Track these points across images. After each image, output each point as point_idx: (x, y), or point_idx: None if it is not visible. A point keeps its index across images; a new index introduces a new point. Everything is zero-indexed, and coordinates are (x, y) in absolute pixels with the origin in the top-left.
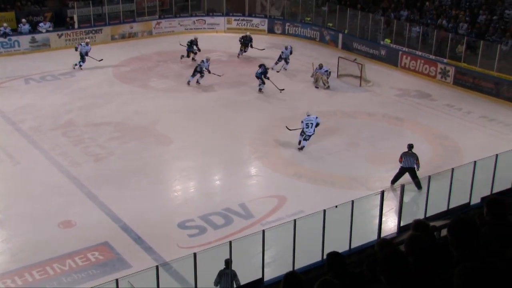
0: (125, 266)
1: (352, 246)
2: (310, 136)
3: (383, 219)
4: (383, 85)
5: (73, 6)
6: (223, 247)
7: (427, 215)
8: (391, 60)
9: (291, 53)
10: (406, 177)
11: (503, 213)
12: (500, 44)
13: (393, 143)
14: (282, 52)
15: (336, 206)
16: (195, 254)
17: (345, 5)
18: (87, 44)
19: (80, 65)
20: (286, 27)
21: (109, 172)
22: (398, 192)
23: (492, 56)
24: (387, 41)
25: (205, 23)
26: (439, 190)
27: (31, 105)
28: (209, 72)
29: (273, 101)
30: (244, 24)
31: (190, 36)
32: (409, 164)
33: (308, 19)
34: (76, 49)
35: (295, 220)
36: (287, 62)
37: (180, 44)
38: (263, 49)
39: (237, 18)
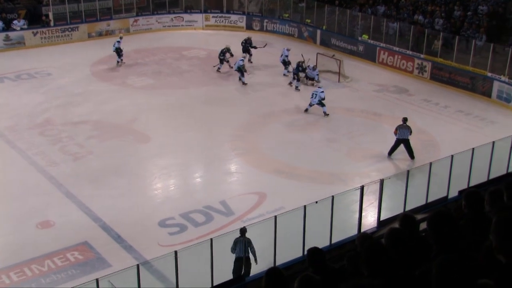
0: (105, 265)
1: (333, 241)
2: (312, 105)
3: (363, 214)
4: (361, 80)
5: (48, 3)
6: (204, 245)
7: (406, 209)
8: (369, 55)
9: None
10: (402, 148)
11: (480, 206)
12: (474, 40)
13: (372, 138)
14: (283, 54)
15: (316, 202)
16: (176, 252)
17: (322, 1)
18: (121, 38)
19: (122, 61)
20: (264, 24)
21: (87, 171)
22: (378, 187)
23: (467, 51)
24: (365, 37)
25: (183, 20)
26: (418, 184)
27: (7, 104)
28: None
29: (253, 98)
30: (222, 21)
31: (172, 33)
32: (403, 135)
33: (286, 15)
34: (117, 50)
35: (275, 217)
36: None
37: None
38: (265, 45)
39: (215, 15)
